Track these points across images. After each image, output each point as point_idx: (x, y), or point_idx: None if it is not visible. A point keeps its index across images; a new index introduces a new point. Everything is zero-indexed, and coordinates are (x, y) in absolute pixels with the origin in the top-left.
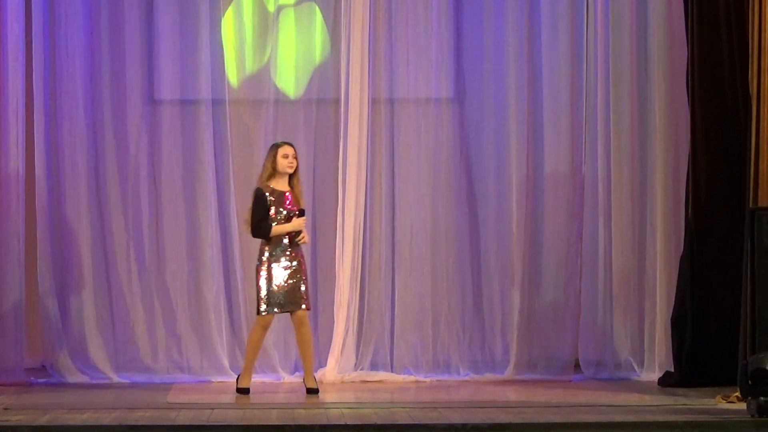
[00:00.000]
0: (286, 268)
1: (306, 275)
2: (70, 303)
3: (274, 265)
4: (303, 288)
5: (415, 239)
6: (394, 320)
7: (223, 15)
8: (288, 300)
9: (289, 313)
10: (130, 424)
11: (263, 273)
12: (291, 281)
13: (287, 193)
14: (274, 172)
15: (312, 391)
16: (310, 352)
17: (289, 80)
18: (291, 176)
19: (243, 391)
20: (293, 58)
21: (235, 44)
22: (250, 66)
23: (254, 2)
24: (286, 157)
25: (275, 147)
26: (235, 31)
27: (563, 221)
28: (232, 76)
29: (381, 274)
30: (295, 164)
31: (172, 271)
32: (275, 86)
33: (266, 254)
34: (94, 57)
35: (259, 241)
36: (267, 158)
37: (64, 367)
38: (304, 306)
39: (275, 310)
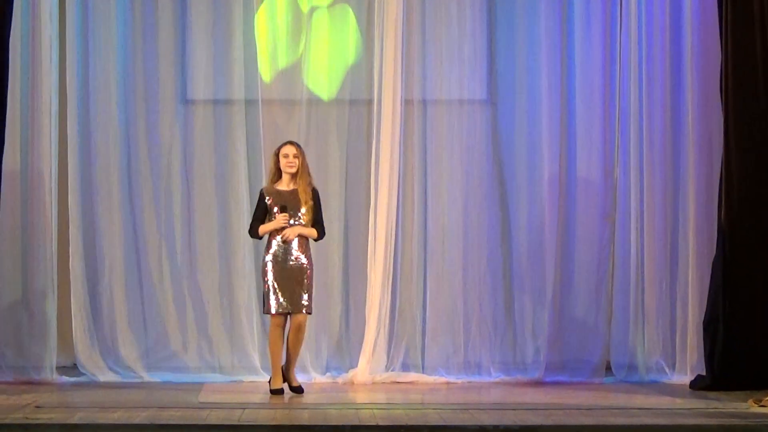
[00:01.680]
0: (286, 268)
1: (310, 278)
2: (101, 302)
3: (273, 264)
4: (304, 291)
5: (446, 240)
6: (425, 321)
7: (256, 15)
8: (288, 301)
9: (289, 315)
10: (161, 423)
11: (266, 273)
12: (291, 282)
13: (294, 192)
14: (278, 173)
15: (297, 390)
16: (297, 354)
17: (322, 81)
18: (297, 175)
19: (277, 392)
20: (326, 58)
21: (268, 45)
22: (283, 66)
23: (287, 3)
24: (286, 156)
25: (278, 147)
26: (268, 32)
27: (595, 223)
28: (265, 76)
29: (413, 275)
30: (296, 164)
31: (203, 271)
32: (308, 87)
33: (267, 254)
34: (127, 56)
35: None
36: (271, 159)
37: (96, 366)
38: (304, 311)
39: (281, 309)
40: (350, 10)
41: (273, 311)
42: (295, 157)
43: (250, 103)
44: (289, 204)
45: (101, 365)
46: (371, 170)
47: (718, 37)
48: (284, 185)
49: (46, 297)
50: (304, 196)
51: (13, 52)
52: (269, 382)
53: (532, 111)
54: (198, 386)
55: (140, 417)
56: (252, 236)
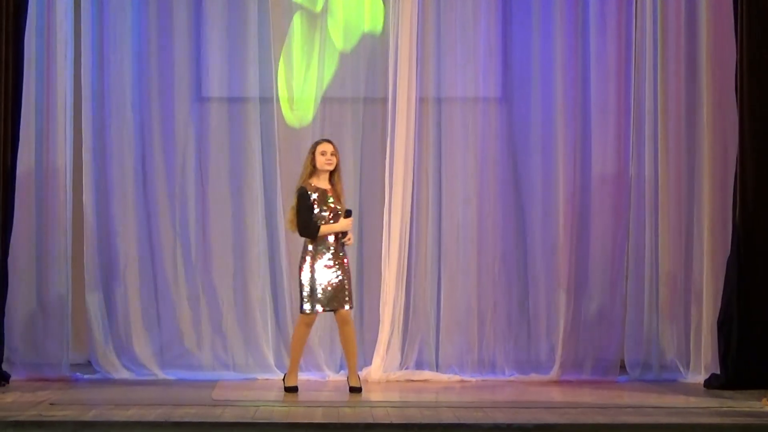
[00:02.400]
0: (329, 267)
1: (350, 274)
2: (115, 299)
3: (318, 263)
4: (347, 287)
5: (461, 239)
6: (439, 319)
7: (271, 13)
8: (332, 299)
9: (333, 312)
10: (175, 421)
11: (306, 271)
12: (336, 280)
13: (328, 191)
14: (314, 170)
15: (355, 390)
16: (354, 351)
17: (337, 77)
18: (332, 174)
19: (291, 390)
20: (340, 55)
21: (283, 42)
22: (298, 64)
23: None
24: (324, 154)
25: (314, 145)
26: (282, 29)
27: (610, 222)
28: (280, 73)
29: (427, 273)
30: (334, 161)
31: (218, 269)
32: (322, 84)
33: (310, 252)
34: (142, 53)
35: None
36: (307, 156)
37: (110, 363)
38: (347, 306)
39: (319, 308)
40: (366, 8)
41: (306, 310)
42: (332, 154)
43: (264, 100)
44: (329, 202)
45: (115, 363)
46: (386, 168)
47: (734, 35)
48: (321, 183)
49: (60, 294)
50: (343, 196)
51: (27, 49)
52: (284, 379)
53: (547, 109)
54: (212, 384)
55: (154, 414)
56: (307, 236)
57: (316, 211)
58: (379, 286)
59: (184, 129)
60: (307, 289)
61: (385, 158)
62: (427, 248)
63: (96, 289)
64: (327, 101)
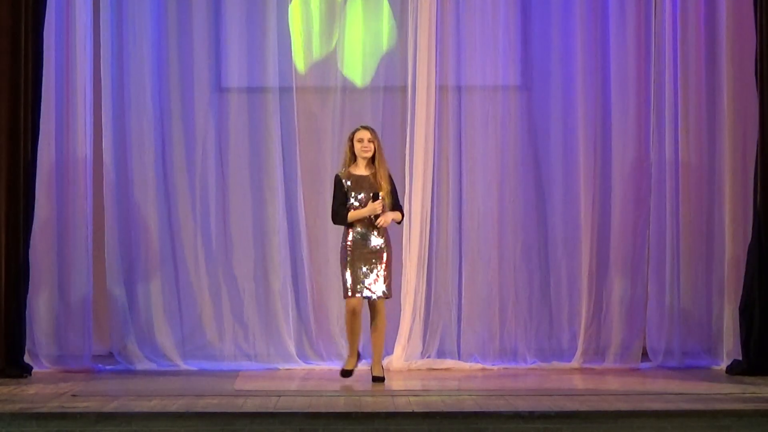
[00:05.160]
0: (367, 254)
1: (388, 263)
2: (137, 290)
3: (356, 250)
4: (383, 276)
5: (482, 227)
6: (461, 308)
7: (290, 2)
8: (366, 286)
9: (366, 300)
10: (197, 411)
11: (346, 258)
12: (371, 267)
13: (368, 177)
14: (353, 158)
15: (378, 380)
16: (381, 341)
17: (357, 68)
18: (372, 160)
19: (344, 374)
20: (360, 45)
21: (303, 32)
22: (317, 53)
23: None
24: (360, 141)
25: (353, 132)
26: (302, 19)
27: (631, 209)
28: (300, 63)
29: (448, 261)
30: (371, 148)
31: (239, 259)
32: (342, 74)
33: (349, 239)
34: (161, 44)
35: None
36: (346, 144)
37: (132, 354)
38: (382, 295)
39: (358, 294)
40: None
41: (347, 295)
42: (369, 141)
43: (284, 90)
44: (368, 189)
45: (137, 354)
46: (406, 157)
47: (753, 19)
48: (360, 170)
49: (82, 286)
50: (382, 181)
51: (47, 42)
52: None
53: (567, 96)
54: (234, 374)
55: (176, 405)
56: (337, 223)
57: (351, 198)
58: (400, 275)
59: (204, 119)
60: (346, 276)
61: (405, 147)
62: (447, 237)
63: (117, 280)
64: (347, 90)
